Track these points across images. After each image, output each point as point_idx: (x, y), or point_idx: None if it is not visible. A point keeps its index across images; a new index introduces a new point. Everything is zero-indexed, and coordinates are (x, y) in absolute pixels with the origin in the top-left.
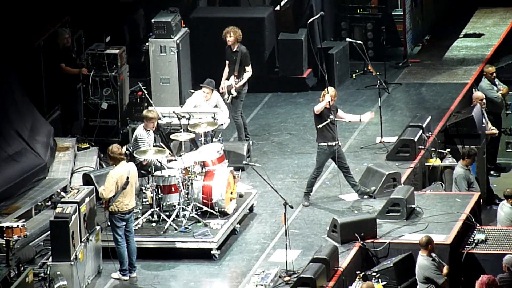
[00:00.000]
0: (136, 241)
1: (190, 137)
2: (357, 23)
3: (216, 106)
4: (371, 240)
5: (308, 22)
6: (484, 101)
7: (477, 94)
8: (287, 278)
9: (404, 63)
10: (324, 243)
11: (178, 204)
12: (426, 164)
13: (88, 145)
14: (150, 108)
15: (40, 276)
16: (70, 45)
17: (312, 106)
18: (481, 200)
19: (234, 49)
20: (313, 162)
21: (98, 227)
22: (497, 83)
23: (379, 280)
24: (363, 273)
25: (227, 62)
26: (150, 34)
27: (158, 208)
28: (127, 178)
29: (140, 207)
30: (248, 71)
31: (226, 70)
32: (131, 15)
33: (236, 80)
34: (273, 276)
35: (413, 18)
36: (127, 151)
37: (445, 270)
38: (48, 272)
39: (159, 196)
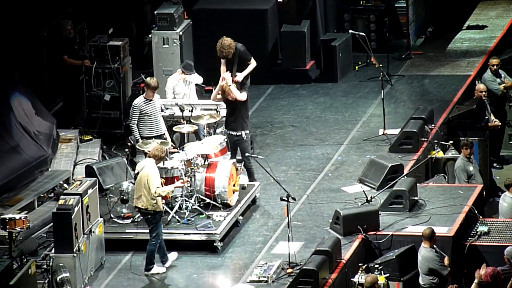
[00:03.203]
0: (139, 233)
1: (193, 129)
2: (360, 15)
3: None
4: (374, 232)
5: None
6: (486, 93)
7: (479, 86)
8: (289, 270)
9: (407, 55)
10: (326, 235)
11: (181, 196)
12: (429, 156)
13: (90, 137)
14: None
15: (43, 267)
16: (72, 36)
17: (315, 98)
18: (484, 192)
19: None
20: (316, 154)
21: (100, 219)
22: (502, 75)
23: (382, 272)
24: (365, 265)
25: (222, 61)
26: (153, 26)
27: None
28: (137, 174)
29: None
30: (252, 63)
31: (223, 68)
32: (138, 8)
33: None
34: (276, 268)
35: (416, 10)
36: (129, 143)
37: (446, 261)
38: (50, 263)
39: None
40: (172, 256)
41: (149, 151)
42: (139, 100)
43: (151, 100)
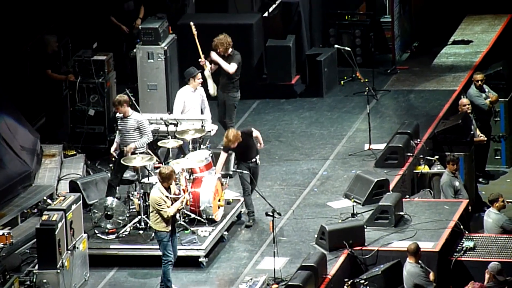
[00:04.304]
0: (123, 248)
1: (178, 144)
2: (345, 29)
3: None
4: (359, 248)
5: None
6: (470, 107)
7: (462, 100)
8: (275, 286)
9: (392, 70)
10: (312, 251)
11: None
12: (414, 171)
13: (74, 152)
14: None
15: (26, 284)
16: (57, 51)
17: (301, 112)
18: (470, 207)
19: (227, 54)
20: (302, 169)
21: (84, 235)
22: (487, 90)
23: (368, 287)
24: (351, 280)
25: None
26: (137, 40)
27: (145, 215)
28: None
29: (128, 215)
30: (232, 66)
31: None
32: (130, 23)
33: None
34: (261, 284)
35: (402, 24)
36: (113, 158)
37: (431, 276)
38: (34, 280)
39: (147, 203)
40: None
41: (134, 166)
42: (118, 115)
43: (124, 117)
